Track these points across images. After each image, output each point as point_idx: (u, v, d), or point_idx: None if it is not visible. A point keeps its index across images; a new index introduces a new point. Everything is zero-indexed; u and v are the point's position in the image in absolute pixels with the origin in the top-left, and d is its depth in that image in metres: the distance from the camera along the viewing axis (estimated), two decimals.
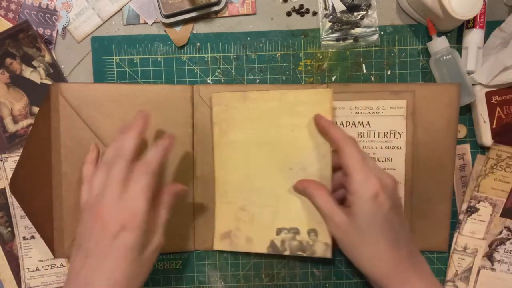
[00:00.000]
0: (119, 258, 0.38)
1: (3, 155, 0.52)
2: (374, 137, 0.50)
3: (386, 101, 0.49)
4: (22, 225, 0.52)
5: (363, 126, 0.50)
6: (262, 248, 0.49)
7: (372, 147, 0.50)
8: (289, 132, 0.48)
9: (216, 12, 0.52)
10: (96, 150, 0.48)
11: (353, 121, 0.50)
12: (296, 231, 0.48)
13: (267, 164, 0.48)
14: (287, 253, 0.48)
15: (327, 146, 0.46)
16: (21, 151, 0.50)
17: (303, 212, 0.47)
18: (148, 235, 0.40)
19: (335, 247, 0.46)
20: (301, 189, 0.46)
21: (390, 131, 0.50)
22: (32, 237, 0.52)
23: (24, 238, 0.52)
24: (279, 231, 0.48)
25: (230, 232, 0.50)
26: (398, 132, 0.49)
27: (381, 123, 0.50)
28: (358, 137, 0.50)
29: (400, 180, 0.50)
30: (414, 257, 0.43)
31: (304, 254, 0.47)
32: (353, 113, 0.50)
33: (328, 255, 0.47)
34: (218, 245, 0.50)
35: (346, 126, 0.50)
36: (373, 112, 0.50)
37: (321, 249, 0.47)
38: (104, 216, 0.38)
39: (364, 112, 0.50)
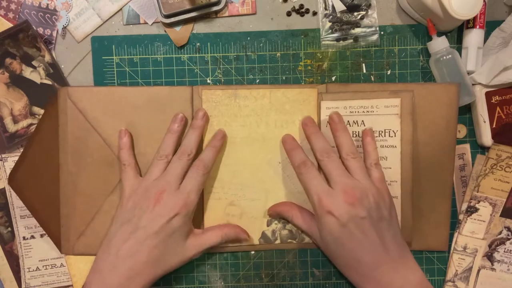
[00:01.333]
0: (166, 237, 0.44)
1: (3, 155, 0.52)
2: None
3: (381, 100, 0.50)
4: (22, 225, 0.52)
5: (358, 126, 0.50)
6: (254, 240, 0.51)
7: None
8: (278, 128, 0.50)
9: (216, 12, 0.52)
10: (128, 135, 0.49)
11: (348, 121, 0.50)
12: (285, 221, 0.51)
13: (256, 159, 0.51)
14: (278, 242, 0.51)
15: None
16: (21, 151, 0.50)
17: (292, 202, 0.50)
18: (164, 257, 0.46)
19: None
20: (275, 214, 0.50)
21: (385, 130, 0.50)
22: (32, 237, 0.52)
23: (24, 238, 0.52)
24: (269, 222, 0.51)
25: None
26: (393, 131, 0.50)
27: (376, 122, 0.50)
28: (353, 136, 0.50)
29: (396, 179, 0.50)
30: (398, 262, 0.44)
31: (294, 242, 0.51)
32: (348, 113, 0.50)
33: None
34: None
35: None
36: (368, 111, 0.50)
37: None
38: (164, 201, 0.45)
39: (358, 112, 0.50)
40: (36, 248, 0.52)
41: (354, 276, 0.45)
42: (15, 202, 0.52)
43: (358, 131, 0.50)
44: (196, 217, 0.51)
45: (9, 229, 0.52)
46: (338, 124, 0.48)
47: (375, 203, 0.44)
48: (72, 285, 0.52)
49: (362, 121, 0.50)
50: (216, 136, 0.49)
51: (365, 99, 0.50)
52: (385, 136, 0.50)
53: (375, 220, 0.44)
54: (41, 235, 0.52)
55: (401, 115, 0.49)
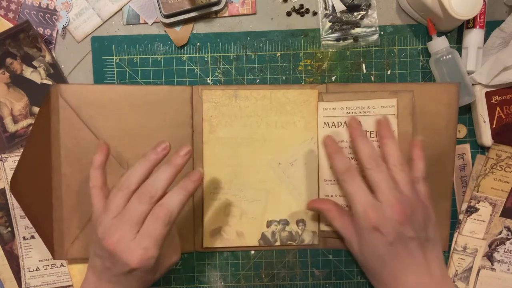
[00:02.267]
0: (135, 278, 0.40)
1: (3, 155, 0.52)
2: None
3: (377, 101, 0.50)
4: (22, 225, 0.52)
5: None
6: (254, 241, 0.51)
7: None
8: (278, 129, 0.50)
9: (216, 12, 0.52)
10: (105, 152, 0.43)
11: (345, 121, 0.50)
12: (285, 222, 0.51)
13: (256, 160, 0.50)
14: (277, 243, 0.51)
15: (313, 142, 0.50)
16: (21, 151, 0.50)
17: (291, 204, 0.51)
18: (159, 263, 0.41)
19: (336, 247, 0.47)
20: (315, 209, 0.49)
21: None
22: (32, 237, 0.52)
23: (24, 238, 0.52)
24: (269, 223, 0.51)
25: (220, 229, 0.51)
26: None
27: (373, 122, 0.49)
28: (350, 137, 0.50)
29: None
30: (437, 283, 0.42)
31: (294, 243, 0.51)
32: (345, 113, 0.50)
33: (316, 242, 0.51)
34: (208, 243, 0.51)
35: (338, 127, 0.50)
36: (365, 112, 0.50)
37: (309, 237, 0.51)
38: (117, 253, 0.39)
39: (355, 112, 0.50)
40: (36, 248, 0.52)
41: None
42: (15, 202, 0.52)
43: None
44: (196, 218, 0.51)
45: (9, 229, 0.53)
46: (388, 132, 0.45)
47: (423, 221, 0.42)
48: (72, 285, 0.52)
49: (359, 121, 0.50)
50: (190, 176, 0.41)
51: (362, 99, 0.50)
52: None
53: (422, 241, 0.42)
54: None
55: (398, 115, 0.49)
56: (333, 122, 0.50)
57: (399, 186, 0.42)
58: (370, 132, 0.50)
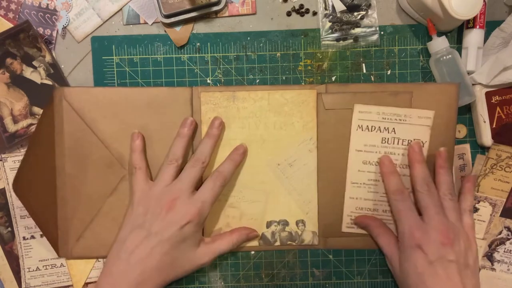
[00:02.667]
0: (177, 243, 0.45)
1: (3, 155, 0.52)
2: (398, 144, 0.50)
3: (415, 110, 0.50)
4: (22, 225, 0.52)
5: (388, 132, 0.50)
6: (253, 242, 0.51)
7: (395, 153, 0.50)
8: (276, 130, 0.50)
9: (216, 12, 0.52)
10: (141, 138, 0.49)
11: (379, 126, 0.50)
12: (285, 223, 0.51)
13: (255, 161, 0.51)
14: (277, 244, 0.51)
15: (312, 143, 0.50)
16: (23, 152, 0.51)
17: (291, 205, 0.51)
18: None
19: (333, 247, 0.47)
20: (362, 225, 0.50)
21: (414, 140, 0.50)
22: (32, 237, 0.52)
23: (24, 238, 0.52)
24: (269, 224, 0.51)
25: (220, 230, 0.51)
26: (422, 142, 0.50)
27: (407, 131, 0.50)
28: (382, 142, 0.50)
29: None
30: None
31: (294, 243, 0.51)
32: (380, 119, 0.50)
33: (315, 242, 0.51)
34: None
35: (371, 131, 0.50)
36: (400, 120, 0.50)
37: (309, 237, 0.51)
38: (177, 208, 0.45)
39: (391, 119, 0.50)
40: (36, 248, 0.52)
41: None
42: (15, 202, 0.52)
43: (388, 138, 0.50)
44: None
45: (9, 229, 0.53)
46: (445, 163, 0.48)
47: (465, 249, 0.45)
48: (72, 285, 0.52)
49: (393, 128, 0.50)
50: (237, 150, 0.49)
51: (400, 107, 0.50)
52: None
53: (461, 266, 0.44)
54: (41, 235, 0.52)
55: (432, 128, 0.50)
56: (367, 125, 0.50)
57: (447, 213, 0.46)
58: (403, 140, 0.50)
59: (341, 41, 0.52)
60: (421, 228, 0.45)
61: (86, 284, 0.52)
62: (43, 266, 0.52)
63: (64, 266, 0.52)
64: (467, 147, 0.53)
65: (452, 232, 0.44)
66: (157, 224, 0.45)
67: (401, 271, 0.46)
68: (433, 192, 0.46)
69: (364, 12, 0.52)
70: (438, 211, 0.45)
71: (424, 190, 0.46)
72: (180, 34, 0.52)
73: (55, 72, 0.51)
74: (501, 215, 0.51)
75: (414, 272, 0.44)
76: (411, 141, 0.50)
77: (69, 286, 0.53)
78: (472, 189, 0.49)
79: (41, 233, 0.52)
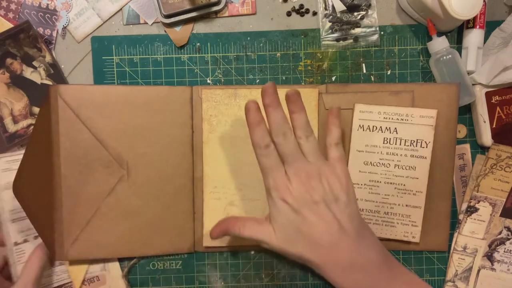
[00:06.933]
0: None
1: None
2: (400, 144, 0.50)
3: (417, 109, 0.49)
4: (14, 229, 0.50)
5: (390, 132, 0.50)
6: (254, 241, 0.49)
7: (397, 154, 0.50)
8: None
9: (216, 12, 0.52)
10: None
11: (380, 126, 0.50)
12: None
13: (256, 159, 0.49)
14: None
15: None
16: (18, 153, 0.50)
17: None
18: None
19: None
20: (221, 234, 0.47)
21: (417, 140, 0.49)
22: (25, 240, 0.51)
23: (16, 244, 0.50)
24: None
25: None
26: (425, 142, 0.49)
27: (409, 131, 0.49)
28: (384, 143, 0.50)
29: (422, 190, 0.49)
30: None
31: None
32: (381, 118, 0.50)
33: None
34: (208, 242, 0.51)
35: (372, 131, 0.50)
36: (402, 119, 0.49)
37: None
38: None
39: (392, 118, 0.49)
40: (28, 252, 0.50)
41: (314, 259, 0.43)
42: (5, 206, 0.50)
43: (390, 138, 0.50)
44: (196, 217, 0.51)
45: None
46: (295, 106, 0.45)
47: (330, 184, 0.43)
48: (71, 282, 0.52)
49: (395, 128, 0.50)
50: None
51: (402, 106, 0.49)
52: (416, 146, 0.49)
53: (330, 202, 0.43)
54: (35, 237, 0.51)
55: (436, 127, 0.49)
56: (368, 125, 0.50)
57: (306, 155, 0.44)
58: (405, 140, 0.50)
59: (341, 41, 0.52)
60: (283, 180, 0.43)
61: (85, 280, 0.51)
62: None
63: (63, 264, 0.52)
64: (467, 147, 0.53)
65: (311, 174, 0.43)
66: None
67: (279, 232, 0.44)
68: (289, 138, 0.43)
69: (364, 12, 0.52)
70: (296, 158, 0.43)
71: (280, 140, 0.43)
72: (180, 34, 0.52)
73: (55, 72, 0.51)
74: (501, 215, 0.51)
75: (288, 224, 0.43)
76: (413, 141, 0.50)
77: (68, 283, 0.52)
78: (336, 122, 0.46)
79: (35, 234, 0.51)
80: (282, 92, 0.50)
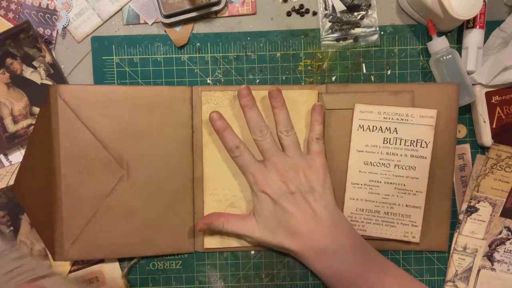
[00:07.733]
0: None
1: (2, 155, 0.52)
2: (400, 144, 0.50)
3: (417, 109, 0.49)
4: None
5: (390, 133, 0.50)
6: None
7: (397, 154, 0.50)
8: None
9: (216, 12, 0.52)
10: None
11: (380, 126, 0.50)
12: None
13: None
14: None
15: None
16: (22, 151, 0.50)
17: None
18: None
19: None
20: (205, 227, 0.49)
21: (417, 140, 0.49)
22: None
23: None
24: None
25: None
26: (425, 142, 0.49)
27: (409, 131, 0.49)
28: (383, 143, 0.50)
29: (422, 190, 0.50)
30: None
31: None
32: (381, 118, 0.50)
33: None
34: (209, 243, 0.51)
35: (372, 131, 0.50)
36: (402, 119, 0.49)
37: None
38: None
39: (392, 118, 0.50)
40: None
41: (293, 247, 0.47)
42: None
43: (390, 138, 0.50)
44: (196, 218, 0.51)
45: (12, 228, 0.52)
46: (276, 102, 0.48)
47: (305, 177, 0.47)
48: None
49: (395, 128, 0.49)
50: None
51: (402, 106, 0.49)
52: (416, 146, 0.49)
53: (305, 192, 0.46)
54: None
55: (436, 127, 0.49)
56: (368, 125, 0.50)
57: (286, 150, 0.48)
58: (405, 140, 0.49)
59: (341, 41, 0.52)
60: (262, 174, 0.47)
61: (85, 280, 0.51)
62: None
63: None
64: (467, 147, 0.53)
65: (288, 167, 0.47)
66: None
67: (261, 223, 0.48)
68: (266, 135, 0.47)
69: (364, 12, 0.52)
70: (273, 153, 0.47)
71: (258, 137, 0.47)
72: (180, 34, 0.52)
73: (55, 72, 0.51)
74: (501, 215, 0.51)
75: (269, 215, 0.47)
76: (413, 141, 0.50)
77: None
78: (318, 118, 0.49)
79: None
80: (284, 93, 0.50)
